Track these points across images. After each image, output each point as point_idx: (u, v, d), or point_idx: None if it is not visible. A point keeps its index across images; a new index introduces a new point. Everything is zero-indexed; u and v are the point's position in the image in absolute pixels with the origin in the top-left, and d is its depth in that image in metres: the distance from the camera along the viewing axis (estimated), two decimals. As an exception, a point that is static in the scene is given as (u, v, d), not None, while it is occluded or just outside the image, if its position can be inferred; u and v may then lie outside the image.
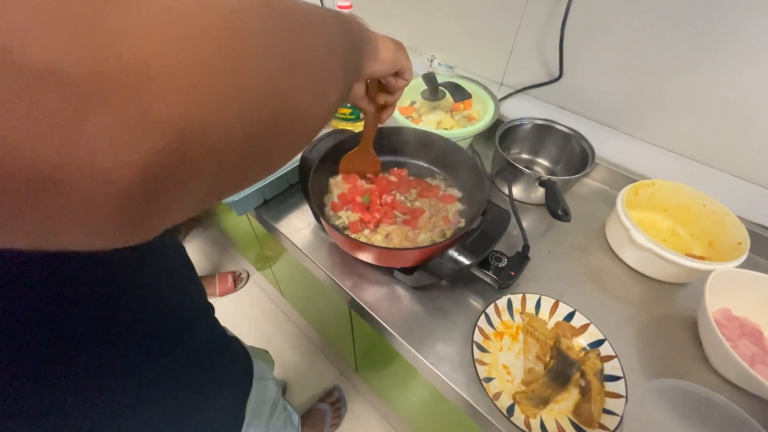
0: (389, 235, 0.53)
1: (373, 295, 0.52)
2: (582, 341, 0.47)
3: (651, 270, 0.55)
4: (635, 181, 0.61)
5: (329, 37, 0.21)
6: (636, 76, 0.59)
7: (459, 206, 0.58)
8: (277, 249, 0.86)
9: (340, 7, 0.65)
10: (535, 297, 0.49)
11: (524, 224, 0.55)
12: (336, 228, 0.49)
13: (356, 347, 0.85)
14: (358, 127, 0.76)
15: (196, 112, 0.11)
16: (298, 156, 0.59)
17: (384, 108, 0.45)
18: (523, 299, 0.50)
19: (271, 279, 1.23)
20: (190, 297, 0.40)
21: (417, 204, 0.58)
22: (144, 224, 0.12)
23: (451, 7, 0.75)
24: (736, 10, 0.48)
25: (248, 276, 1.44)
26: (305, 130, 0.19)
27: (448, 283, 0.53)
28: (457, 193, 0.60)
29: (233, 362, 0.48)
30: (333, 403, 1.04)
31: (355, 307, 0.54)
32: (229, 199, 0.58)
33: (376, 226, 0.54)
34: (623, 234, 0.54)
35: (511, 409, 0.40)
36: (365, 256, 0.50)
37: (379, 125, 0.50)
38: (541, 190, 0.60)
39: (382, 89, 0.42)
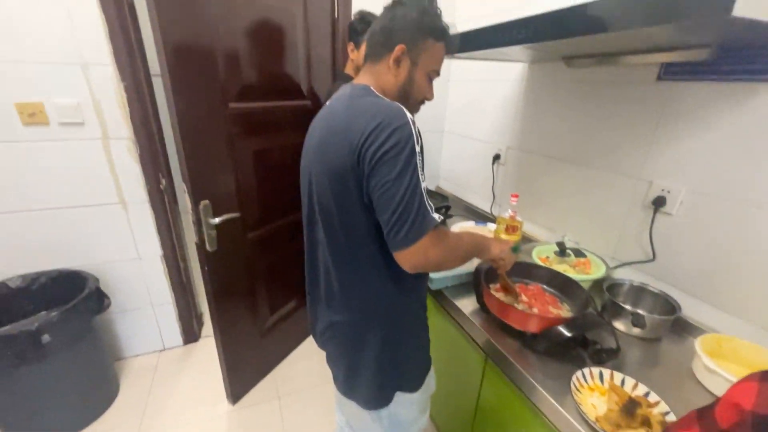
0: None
1: (510, 351, 0.88)
2: (654, 411, 0.70)
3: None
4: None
5: (468, 253, 0.77)
6: (702, 265, 0.91)
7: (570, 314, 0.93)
8: (436, 321, 1.27)
9: (511, 200, 1.22)
10: (621, 376, 0.76)
11: (627, 357, 0.84)
12: (493, 296, 0.91)
13: (477, 414, 1.09)
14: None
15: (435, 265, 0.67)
16: (473, 266, 1.08)
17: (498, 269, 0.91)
18: (612, 374, 0.77)
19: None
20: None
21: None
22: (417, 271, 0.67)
23: (581, 207, 1.24)
24: None
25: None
26: (455, 267, 0.73)
27: (557, 357, 0.85)
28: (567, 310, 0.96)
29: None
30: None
31: (493, 354, 0.89)
32: (433, 276, 1.09)
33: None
34: (698, 363, 0.78)
35: (593, 425, 0.67)
36: (510, 319, 0.89)
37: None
38: (635, 330, 0.90)
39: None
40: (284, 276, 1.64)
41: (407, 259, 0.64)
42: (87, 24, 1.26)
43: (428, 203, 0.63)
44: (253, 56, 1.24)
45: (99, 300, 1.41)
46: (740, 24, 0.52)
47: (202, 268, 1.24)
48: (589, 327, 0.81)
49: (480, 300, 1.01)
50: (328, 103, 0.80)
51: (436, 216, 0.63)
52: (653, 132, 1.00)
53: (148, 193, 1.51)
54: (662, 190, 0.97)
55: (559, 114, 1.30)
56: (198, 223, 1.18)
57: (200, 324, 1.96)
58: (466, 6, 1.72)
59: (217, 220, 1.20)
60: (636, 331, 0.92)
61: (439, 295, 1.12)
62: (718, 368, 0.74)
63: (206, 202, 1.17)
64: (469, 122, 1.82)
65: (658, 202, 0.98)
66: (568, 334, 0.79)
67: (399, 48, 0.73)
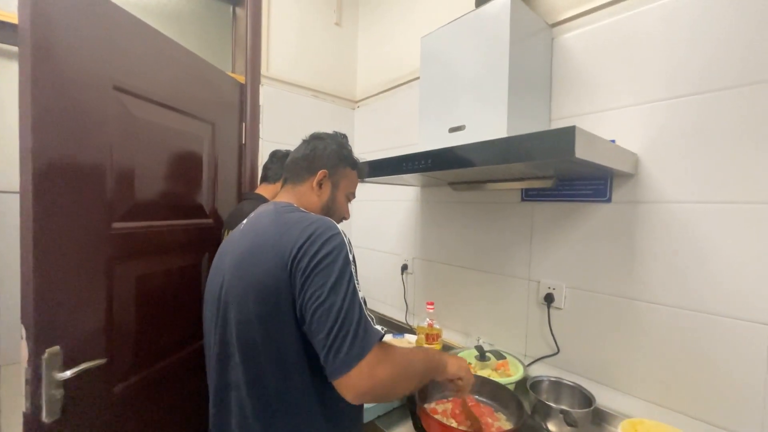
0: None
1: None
2: None
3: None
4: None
5: (422, 372, 0.68)
6: (601, 350, 1.04)
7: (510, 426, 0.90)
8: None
9: (427, 308, 1.25)
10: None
11: None
12: (431, 417, 0.83)
13: None
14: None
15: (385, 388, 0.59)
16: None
17: (458, 391, 0.83)
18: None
19: None
20: None
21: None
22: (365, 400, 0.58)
23: (487, 309, 1.34)
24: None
25: None
26: (408, 392, 0.66)
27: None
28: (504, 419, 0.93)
29: None
30: None
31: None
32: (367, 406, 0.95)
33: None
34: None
35: None
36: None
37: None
38: (567, 428, 0.92)
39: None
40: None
41: (351, 384, 0.54)
42: None
43: (368, 315, 0.59)
44: (152, 176, 1.15)
45: None
46: (579, 162, 0.73)
47: (26, 453, 0.84)
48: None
49: (417, 425, 0.91)
50: (245, 221, 0.76)
51: (379, 328, 0.59)
52: (530, 240, 1.22)
53: (-51, 345, 1.06)
54: (549, 287, 1.14)
55: (452, 227, 1.50)
56: (34, 381, 0.84)
57: None
58: (360, 144, 2.03)
59: (68, 373, 0.88)
60: (566, 430, 0.93)
61: (370, 427, 0.98)
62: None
63: (55, 348, 0.87)
64: (374, 237, 1.93)
65: (549, 299, 1.13)
66: (515, 448, 0.75)
67: (322, 172, 0.78)
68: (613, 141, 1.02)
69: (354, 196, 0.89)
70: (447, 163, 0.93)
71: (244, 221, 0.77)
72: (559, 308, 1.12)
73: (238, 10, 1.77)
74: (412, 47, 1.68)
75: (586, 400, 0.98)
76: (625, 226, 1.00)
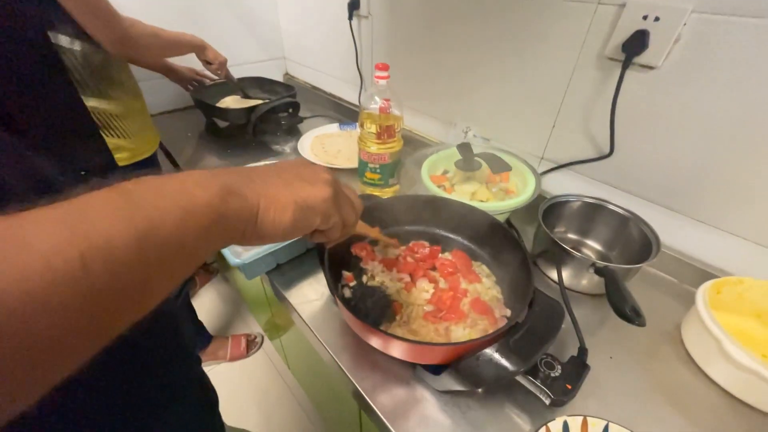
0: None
1: (390, 396, 0.42)
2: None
3: (754, 397, 0.42)
4: (711, 275, 0.51)
5: (170, 230, 0.19)
6: (705, 155, 0.52)
7: (497, 293, 0.50)
8: (287, 319, 0.78)
9: (377, 77, 0.64)
10: (601, 423, 0.38)
11: (576, 318, 0.45)
12: (348, 306, 0.41)
13: None
14: (386, 192, 0.73)
15: None
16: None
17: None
18: (584, 424, 0.38)
19: (279, 348, 1.12)
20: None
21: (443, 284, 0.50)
22: None
23: (490, 78, 0.74)
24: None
25: (263, 340, 1.35)
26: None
27: (485, 389, 0.43)
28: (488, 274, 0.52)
29: None
30: None
31: (364, 406, 0.44)
32: (239, 261, 0.53)
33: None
34: (711, 344, 0.43)
35: None
36: (380, 345, 0.42)
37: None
38: (594, 278, 0.51)
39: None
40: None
41: None
42: None
43: None
44: None
45: None
46: None
47: None
48: (546, 338, 0.38)
49: (333, 289, 0.51)
50: None
51: None
52: None
53: None
54: (644, 17, 0.50)
55: None
56: None
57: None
58: None
59: None
60: (587, 284, 0.54)
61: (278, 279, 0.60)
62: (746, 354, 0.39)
63: None
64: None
65: (634, 45, 0.51)
66: (509, 367, 0.35)
67: None
68: None
69: None
70: None
71: None
72: (650, 67, 0.52)
73: None
74: None
75: (645, 241, 0.55)
76: None
